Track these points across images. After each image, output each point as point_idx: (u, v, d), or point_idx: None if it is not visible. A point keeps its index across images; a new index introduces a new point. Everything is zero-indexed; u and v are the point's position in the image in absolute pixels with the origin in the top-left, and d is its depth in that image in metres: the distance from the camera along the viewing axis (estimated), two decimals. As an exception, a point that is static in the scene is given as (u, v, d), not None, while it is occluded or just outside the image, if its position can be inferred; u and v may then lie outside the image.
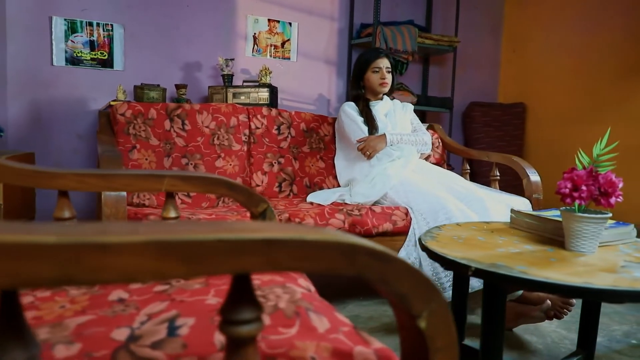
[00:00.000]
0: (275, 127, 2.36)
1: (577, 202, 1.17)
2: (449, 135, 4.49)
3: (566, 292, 0.95)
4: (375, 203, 2.12)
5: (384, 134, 2.25)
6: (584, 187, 1.17)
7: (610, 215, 1.20)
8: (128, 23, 3.43)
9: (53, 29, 3.19)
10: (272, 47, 3.97)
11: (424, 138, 2.35)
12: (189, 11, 3.62)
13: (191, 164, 2.14)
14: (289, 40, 4.03)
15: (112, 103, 2.69)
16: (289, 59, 4.04)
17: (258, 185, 2.24)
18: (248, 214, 1.84)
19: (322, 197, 2.18)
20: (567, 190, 1.18)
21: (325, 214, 1.82)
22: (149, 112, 2.11)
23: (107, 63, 3.38)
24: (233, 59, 3.59)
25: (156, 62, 3.54)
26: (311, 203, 2.09)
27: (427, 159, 2.48)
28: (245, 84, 3.54)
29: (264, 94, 3.42)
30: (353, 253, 0.54)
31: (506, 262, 1.06)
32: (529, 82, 4.98)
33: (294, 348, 0.70)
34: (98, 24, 3.33)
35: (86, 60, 3.31)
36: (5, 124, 3.11)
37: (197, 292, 0.84)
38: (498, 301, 1.09)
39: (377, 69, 2.37)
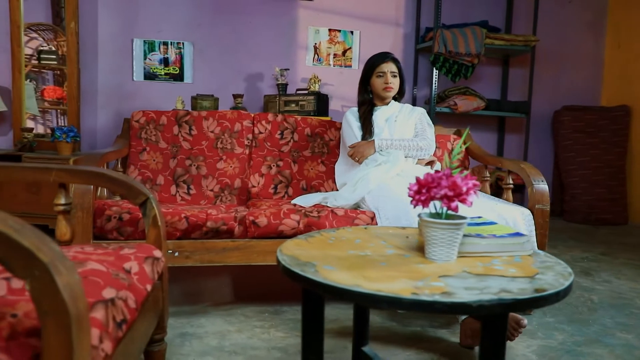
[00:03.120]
0: (279, 132, 2.48)
1: (420, 205, 1.10)
2: (526, 143, 4.15)
3: (326, 291, 0.92)
4: (357, 207, 2.12)
5: (373, 140, 2.23)
6: (424, 190, 1.09)
7: (464, 221, 1.09)
8: (197, 41, 3.84)
9: (134, 50, 3.73)
10: (333, 56, 4.09)
11: (419, 144, 2.26)
12: (252, 27, 3.92)
13: (194, 165, 2.37)
14: (350, 48, 4.11)
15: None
16: (350, 66, 4.12)
17: (254, 187, 2.38)
18: (232, 214, 1.99)
19: (306, 199, 2.24)
20: (411, 193, 1.11)
21: (281, 215, 1.89)
22: (160, 119, 2.39)
23: (178, 77, 3.83)
24: (288, 69, 3.80)
25: (221, 74, 3.90)
26: (294, 205, 2.16)
27: (431, 164, 2.37)
28: (297, 92, 3.72)
29: (311, 101, 3.56)
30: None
31: (321, 262, 1.05)
32: (635, 82, 4.34)
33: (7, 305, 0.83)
34: (171, 43, 3.79)
35: (161, 75, 3.80)
36: (95, 129, 3.72)
37: None
38: (311, 304, 1.07)
39: (381, 74, 2.35)
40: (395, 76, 2.37)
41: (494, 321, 0.92)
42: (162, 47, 3.78)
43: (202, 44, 3.85)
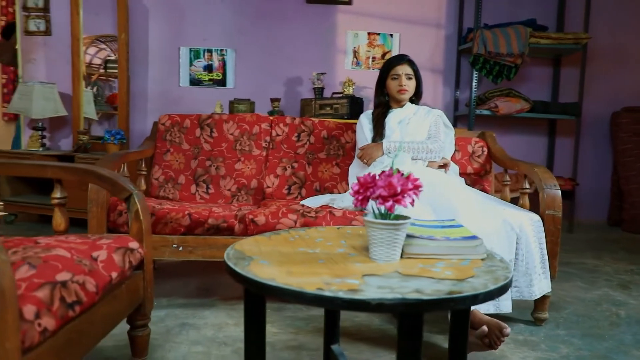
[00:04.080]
0: (296, 134, 2.54)
1: (359, 205, 1.11)
2: (576, 147, 3.92)
3: (244, 282, 0.96)
4: (362, 209, 2.13)
5: (381, 142, 2.23)
6: (361, 190, 1.10)
7: (404, 222, 1.09)
8: (239, 47, 4.01)
9: (180, 57, 3.96)
10: (372, 59, 4.10)
11: (429, 146, 2.23)
12: (292, 33, 4.03)
13: (214, 165, 2.50)
14: (389, 51, 4.10)
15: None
16: (389, 69, 4.10)
17: (269, 187, 2.46)
18: (234, 212, 2.09)
19: (315, 200, 2.27)
20: (352, 193, 1.12)
21: (279, 214, 1.95)
22: (184, 122, 2.54)
23: (221, 82, 4.01)
24: (324, 73, 3.86)
25: (262, 79, 4.04)
26: (302, 205, 2.21)
27: (444, 167, 2.32)
28: (333, 95, 3.77)
29: (344, 104, 3.59)
30: None
31: (261, 257, 1.09)
32: None
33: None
34: (215, 50, 3.98)
35: (205, 81, 4.00)
36: (145, 132, 3.98)
37: None
38: (252, 299, 1.11)
39: (395, 76, 2.35)
40: (410, 78, 2.36)
41: (409, 321, 0.93)
42: (206, 54, 3.98)
43: (243, 50, 4.01)
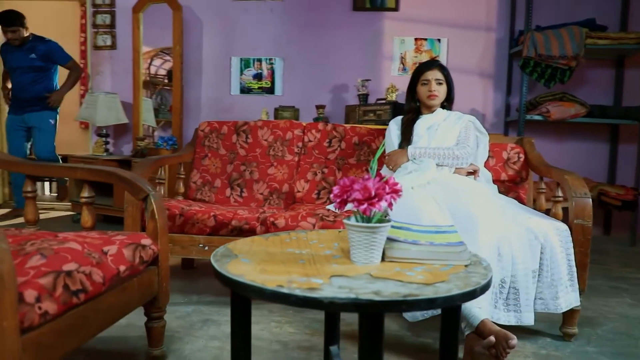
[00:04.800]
0: (327, 140, 2.59)
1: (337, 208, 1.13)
2: (639, 154, 3.64)
3: (217, 277, 1.02)
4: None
5: (407, 148, 2.22)
6: (338, 193, 1.12)
7: (382, 225, 1.09)
8: (287, 56, 4.13)
9: (232, 66, 4.15)
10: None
11: (456, 152, 2.18)
12: (339, 40, 4.09)
13: (248, 170, 2.60)
14: (437, 56, 4.04)
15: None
16: (437, 75, 4.04)
17: (299, 192, 2.53)
18: (257, 214, 2.18)
19: (340, 205, 2.31)
20: (332, 196, 1.15)
21: (298, 217, 2.00)
22: (222, 128, 2.67)
23: (270, 90, 4.15)
24: (369, 80, 3.88)
25: (309, 86, 4.13)
26: (327, 210, 2.25)
27: (473, 174, 2.26)
28: (377, 102, 3.78)
29: (387, 110, 3.60)
30: None
31: (244, 255, 1.15)
32: None
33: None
34: (264, 59, 4.13)
35: (254, 89, 4.16)
36: (198, 139, 4.20)
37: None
38: (238, 300, 1.16)
39: (425, 81, 2.33)
40: (440, 83, 2.34)
41: (369, 321, 0.95)
42: (256, 63, 4.14)
43: (291, 58, 4.13)
